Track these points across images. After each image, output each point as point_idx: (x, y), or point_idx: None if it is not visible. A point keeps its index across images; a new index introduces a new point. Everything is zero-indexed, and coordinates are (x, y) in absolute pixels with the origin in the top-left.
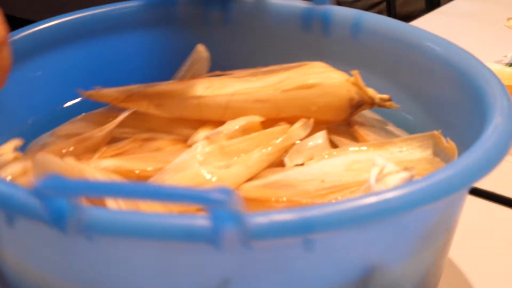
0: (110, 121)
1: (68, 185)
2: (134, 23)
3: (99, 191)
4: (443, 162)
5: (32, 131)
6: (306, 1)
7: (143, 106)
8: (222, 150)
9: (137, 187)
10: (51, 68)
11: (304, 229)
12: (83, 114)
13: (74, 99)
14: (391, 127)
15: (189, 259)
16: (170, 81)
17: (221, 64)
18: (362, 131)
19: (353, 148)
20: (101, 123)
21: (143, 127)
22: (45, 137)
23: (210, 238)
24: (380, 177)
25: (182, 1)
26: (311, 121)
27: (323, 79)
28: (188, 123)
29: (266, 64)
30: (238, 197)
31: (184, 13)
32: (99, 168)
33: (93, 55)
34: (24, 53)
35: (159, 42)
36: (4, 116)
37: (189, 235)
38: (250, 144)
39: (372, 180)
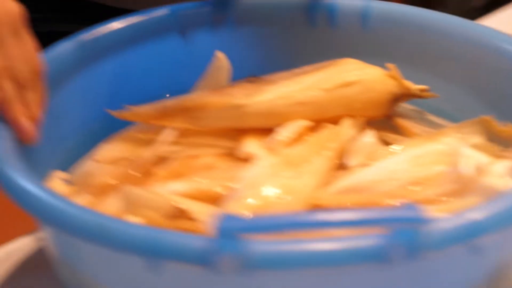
0: (147, 140)
1: (247, 225)
2: (149, 34)
3: (282, 227)
4: (500, 147)
5: (65, 156)
6: None
7: (180, 122)
8: (285, 159)
9: (317, 218)
10: (78, 87)
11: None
12: (114, 135)
13: (96, 119)
14: (430, 117)
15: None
16: (202, 92)
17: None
18: (406, 124)
19: (408, 142)
20: (138, 143)
21: (182, 143)
22: (87, 164)
23: (380, 255)
24: (480, 168)
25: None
26: (361, 120)
27: (362, 76)
28: (227, 133)
29: (298, 64)
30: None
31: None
32: (170, 191)
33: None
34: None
35: (175, 51)
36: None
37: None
38: (307, 150)
39: (465, 171)
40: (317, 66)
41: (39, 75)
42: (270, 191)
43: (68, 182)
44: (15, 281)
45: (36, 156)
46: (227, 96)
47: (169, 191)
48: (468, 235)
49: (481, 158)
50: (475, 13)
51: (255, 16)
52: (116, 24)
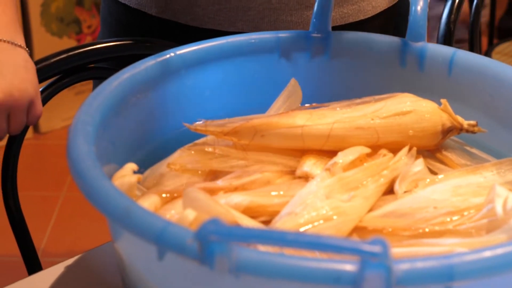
0: (213, 153)
1: (229, 232)
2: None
3: (259, 239)
4: None
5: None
6: (402, 38)
7: (248, 138)
8: (341, 181)
9: (297, 237)
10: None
11: (446, 277)
12: (187, 145)
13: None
14: (475, 150)
15: None
16: (270, 114)
17: (316, 96)
18: (450, 156)
19: (450, 173)
20: (208, 155)
21: (247, 158)
22: (159, 168)
23: (355, 283)
24: (508, 208)
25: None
26: (414, 150)
27: (416, 107)
28: (289, 153)
29: (360, 95)
30: (391, 249)
31: (285, 45)
32: (231, 203)
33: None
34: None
35: (256, 72)
36: (115, 147)
37: (336, 279)
38: (363, 175)
39: (499, 211)
40: (377, 98)
41: None
42: (321, 211)
43: (137, 173)
44: None
45: (116, 158)
46: (291, 118)
47: (231, 203)
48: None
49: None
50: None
51: (350, 49)
52: (200, 44)
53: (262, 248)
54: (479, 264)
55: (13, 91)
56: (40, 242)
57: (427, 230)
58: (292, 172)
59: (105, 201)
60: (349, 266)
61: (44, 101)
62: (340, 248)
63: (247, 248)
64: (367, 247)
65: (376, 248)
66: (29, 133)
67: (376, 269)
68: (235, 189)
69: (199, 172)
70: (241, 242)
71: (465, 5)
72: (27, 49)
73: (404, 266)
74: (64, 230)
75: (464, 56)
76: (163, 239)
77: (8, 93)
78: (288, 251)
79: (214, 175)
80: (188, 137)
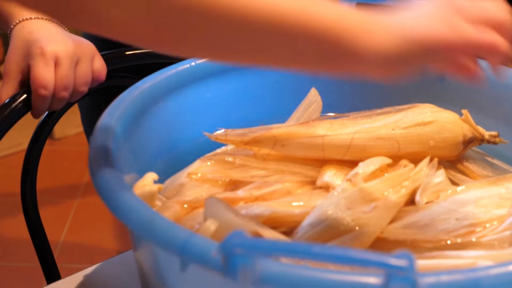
0: (233, 163)
1: (254, 245)
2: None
3: (284, 252)
4: None
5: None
6: None
7: (268, 148)
8: (362, 192)
9: (323, 251)
10: (184, 107)
11: None
12: (208, 155)
13: (194, 138)
14: (496, 161)
15: None
16: (290, 123)
17: (336, 105)
18: (471, 167)
19: (472, 184)
20: (229, 164)
21: (267, 168)
22: (180, 177)
23: None
24: None
25: None
26: (435, 160)
27: (437, 117)
28: (310, 162)
29: (380, 106)
30: (416, 262)
31: None
32: (252, 214)
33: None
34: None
35: (277, 82)
36: (135, 157)
37: None
38: (384, 185)
39: None
40: (397, 108)
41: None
42: (342, 222)
43: (158, 182)
44: None
45: (136, 168)
46: (312, 128)
47: (252, 214)
48: None
49: None
50: None
51: None
52: None
53: (284, 260)
54: (505, 277)
55: (81, 43)
56: (55, 247)
57: (449, 242)
58: (312, 182)
59: (128, 213)
60: (374, 279)
61: (67, 108)
62: (366, 262)
63: (271, 260)
64: (393, 261)
65: (402, 262)
66: None
67: (402, 283)
68: (256, 199)
69: (219, 182)
70: (266, 255)
71: None
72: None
73: (430, 280)
74: (78, 236)
75: (486, 66)
76: (186, 251)
77: (77, 43)
78: (311, 263)
79: (234, 185)
80: (209, 147)
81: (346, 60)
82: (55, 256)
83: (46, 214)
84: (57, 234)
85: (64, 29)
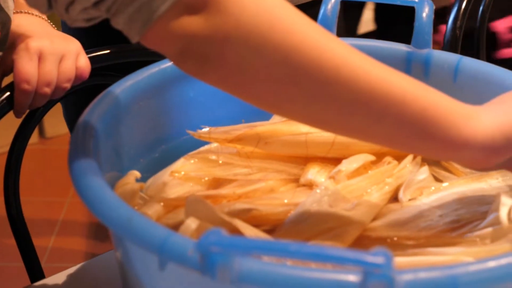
0: (217, 161)
1: (231, 244)
2: None
3: (261, 250)
4: None
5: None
6: (407, 45)
7: (252, 145)
8: (345, 189)
9: (300, 249)
10: (168, 105)
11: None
12: (191, 153)
13: (175, 136)
14: None
15: None
16: (274, 121)
17: None
18: (455, 163)
19: (456, 181)
20: (211, 163)
21: (251, 166)
22: (163, 176)
23: None
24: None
25: None
26: (419, 157)
27: None
28: (293, 160)
29: None
30: (394, 259)
31: None
32: (234, 212)
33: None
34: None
35: None
36: (117, 155)
37: None
38: (368, 183)
39: (504, 219)
40: None
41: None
42: (324, 220)
43: (140, 181)
44: None
45: (119, 166)
46: (295, 125)
47: (234, 212)
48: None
49: None
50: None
51: None
52: None
53: (264, 258)
54: (484, 274)
55: (66, 40)
56: (45, 247)
57: (431, 239)
58: (296, 180)
59: (107, 212)
60: (352, 277)
61: (49, 107)
62: (343, 259)
63: (249, 258)
64: (370, 258)
65: (379, 259)
66: (34, 138)
67: (379, 280)
68: (239, 197)
69: (203, 180)
70: (243, 253)
71: None
72: None
73: (407, 277)
74: (69, 236)
75: (470, 63)
76: (164, 250)
77: (63, 40)
78: (291, 261)
79: (218, 183)
80: (192, 145)
81: (446, 143)
82: (46, 255)
83: (37, 213)
84: (48, 233)
85: (52, 26)
